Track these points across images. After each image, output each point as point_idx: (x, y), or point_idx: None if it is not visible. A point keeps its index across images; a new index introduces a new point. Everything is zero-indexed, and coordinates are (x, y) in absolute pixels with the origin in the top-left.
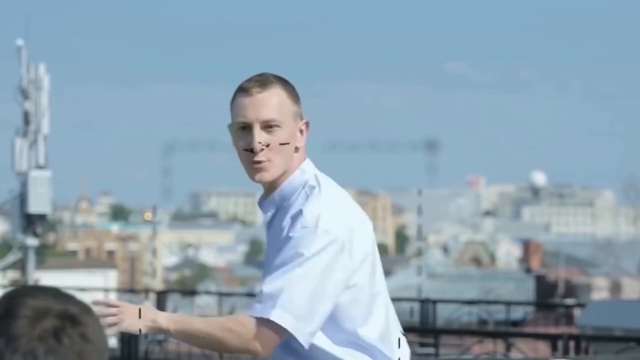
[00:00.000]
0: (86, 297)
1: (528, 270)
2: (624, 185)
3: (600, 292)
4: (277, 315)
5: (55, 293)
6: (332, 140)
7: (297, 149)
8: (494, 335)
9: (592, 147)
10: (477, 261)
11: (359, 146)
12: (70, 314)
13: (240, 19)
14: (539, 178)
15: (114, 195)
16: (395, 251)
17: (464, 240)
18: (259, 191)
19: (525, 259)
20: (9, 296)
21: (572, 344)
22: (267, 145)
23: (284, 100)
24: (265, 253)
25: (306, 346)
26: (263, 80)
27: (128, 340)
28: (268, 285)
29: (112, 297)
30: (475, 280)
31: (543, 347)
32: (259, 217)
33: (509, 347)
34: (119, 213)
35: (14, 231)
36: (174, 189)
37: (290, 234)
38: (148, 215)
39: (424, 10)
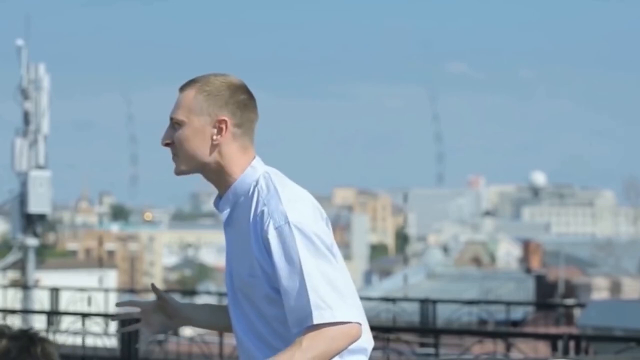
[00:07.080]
0: (86, 297)
1: (528, 270)
2: (624, 185)
3: (600, 292)
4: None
5: None
6: (332, 140)
7: (215, 147)
8: (494, 335)
9: (592, 147)
10: (477, 261)
11: (359, 146)
12: None
13: (241, 18)
14: (539, 178)
15: (114, 195)
16: (395, 251)
17: (464, 240)
18: None
19: (525, 259)
20: None
21: (572, 344)
22: (172, 143)
23: (197, 98)
24: (228, 251)
25: (361, 319)
26: (189, 81)
27: (128, 340)
28: (294, 301)
29: (112, 297)
30: (475, 280)
31: (543, 347)
32: None
33: (509, 347)
34: (119, 213)
35: (14, 231)
36: (176, 188)
37: (266, 235)
38: (148, 215)
39: (424, 10)
